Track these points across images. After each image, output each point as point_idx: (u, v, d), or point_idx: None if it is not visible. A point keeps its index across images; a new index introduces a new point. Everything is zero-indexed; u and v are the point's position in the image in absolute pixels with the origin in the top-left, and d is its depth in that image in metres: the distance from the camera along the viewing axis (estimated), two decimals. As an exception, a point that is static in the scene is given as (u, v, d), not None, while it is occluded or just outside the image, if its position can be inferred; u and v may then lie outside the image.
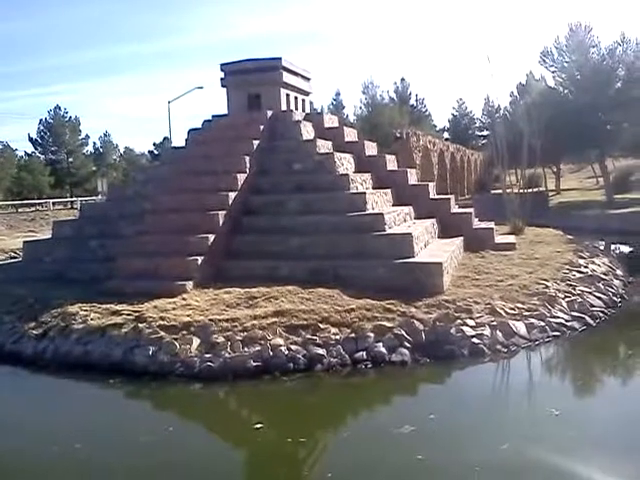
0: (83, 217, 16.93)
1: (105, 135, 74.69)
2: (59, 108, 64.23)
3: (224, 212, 14.24)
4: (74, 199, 51.27)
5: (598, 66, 37.09)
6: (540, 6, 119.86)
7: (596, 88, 35.62)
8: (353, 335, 10.06)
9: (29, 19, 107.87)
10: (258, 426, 7.88)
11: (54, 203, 48.13)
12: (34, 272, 14.87)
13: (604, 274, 14.35)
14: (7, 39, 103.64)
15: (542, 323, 10.79)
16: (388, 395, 9.27)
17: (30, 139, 64.81)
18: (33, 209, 47.21)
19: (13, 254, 23.37)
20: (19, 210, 46.09)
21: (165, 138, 63.02)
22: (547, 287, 12.19)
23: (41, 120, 64.23)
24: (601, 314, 11.85)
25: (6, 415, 8.69)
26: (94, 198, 45.71)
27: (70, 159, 64.93)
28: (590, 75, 36.87)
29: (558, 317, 11.15)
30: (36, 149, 65.03)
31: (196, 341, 9.95)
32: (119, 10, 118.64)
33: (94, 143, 72.65)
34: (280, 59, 18.58)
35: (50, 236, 16.99)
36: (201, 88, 43.16)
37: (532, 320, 10.79)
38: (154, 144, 76.16)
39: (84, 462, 7.11)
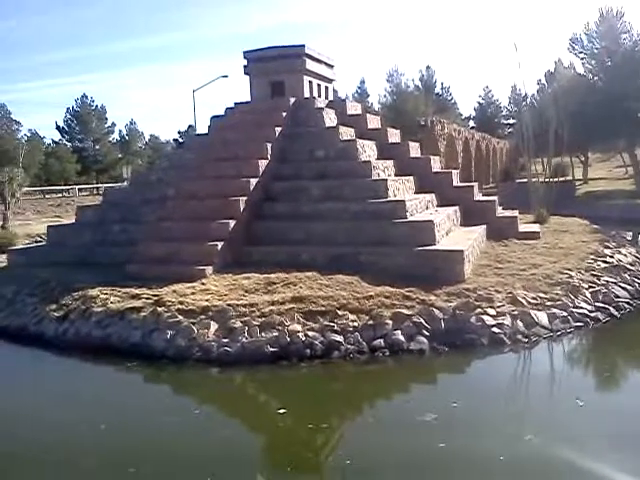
0: (106, 202, 17.07)
1: (131, 123, 75.60)
2: (86, 97, 65.26)
3: (245, 198, 14.23)
4: (99, 185, 51.94)
5: (629, 53, 36.13)
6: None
7: (627, 75, 34.72)
8: (371, 322, 9.98)
9: (55, 12, 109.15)
10: (282, 411, 7.88)
11: (80, 189, 48.84)
12: (57, 256, 15.06)
13: (630, 264, 14.00)
14: (35, 31, 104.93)
15: (564, 313, 10.57)
16: (408, 383, 9.19)
17: (57, 127, 65.93)
18: (60, 195, 47.99)
19: (39, 238, 23.74)
20: (46, 196, 46.89)
21: (190, 126, 63.38)
22: (571, 277, 11.95)
23: (68, 108, 65.25)
24: (626, 305, 11.56)
25: (32, 396, 8.85)
26: (119, 185, 46.23)
27: (96, 147, 65.89)
28: (621, 62, 35.97)
29: (581, 307, 10.91)
30: (63, 137, 66.13)
31: (214, 326, 9.97)
32: (145, 2, 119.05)
33: (120, 131, 73.55)
34: (303, 46, 18.45)
35: (74, 221, 17.19)
36: (226, 77, 43.17)
37: (554, 310, 10.58)
38: (179, 132, 76.67)
39: (111, 443, 7.24)
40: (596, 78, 39.97)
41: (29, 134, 59.92)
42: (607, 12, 38.80)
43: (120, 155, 69.68)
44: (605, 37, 38.45)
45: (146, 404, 8.65)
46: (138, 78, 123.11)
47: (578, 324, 10.51)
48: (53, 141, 65.91)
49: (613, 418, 7.36)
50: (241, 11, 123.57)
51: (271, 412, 8.20)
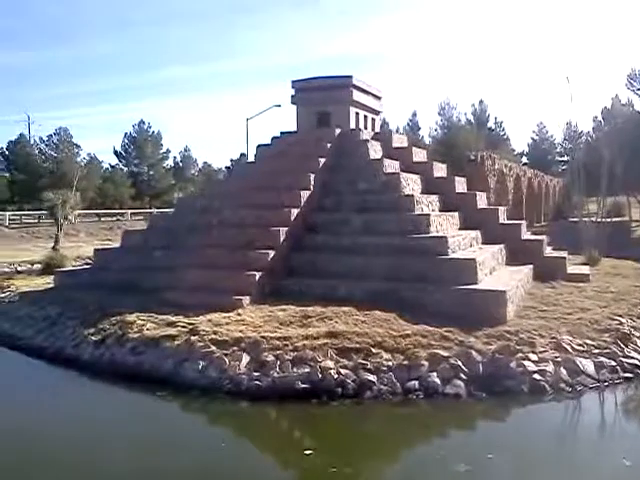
0: (151, 227, 17.35)
1: (185, 150, 77.38)
2: (143, 122, 67.17)
3: (286, 228, 14.22)
4: (152, 210, 53.15)
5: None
6: (628, 27, 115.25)
7: (688, 113, 33.63)
8: (406, 362, 9.66)
9: (116, 39, 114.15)
10: (308, 452, 7.64)
11: (133, 214, 50.09)
12: (101, 279, 15.34)
13: (687, 313, 13.22)
14: (96, 58, 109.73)
15: (613, 363, 9.99)
16: (441, 429, 8.81)
17: (115, 152, 68.06)
18: (115, 219, 49.38)
19: (89, 260, 24.35)
20: (102, 219, 48.35)
21: (242, 154, 64.37)
22: (621, 323, 11.35)
23: (126, 134, 67.40)
24: (681, 357, 10.85)
25: (65, 421, 8.93)
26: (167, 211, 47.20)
27: (151, 172, 67.59)
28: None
29: (632, 357, 10.30)
30: (120, 161, 68.15)
31: (246, 358, 9.86)
32: (201, 30, 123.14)
33: (174, 157, 75.37)
34: (351, 77, 18.54)
35: (119, 245, 17.52)
36: (279, 106, 43.76)
37: (602, 359, 10.02)
38: (231, 160, 78.02)
39: (141, 471, 7.24)
40: (655, 116, 38.86)
41: (88, 158, 62.10)
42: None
43: (173, 181, 71.33)
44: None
45: (174, 434, 8.53)
46: (194, 105, 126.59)
47: (628, 375, 9.90)
48: (110, 165, 68.19)
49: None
50: (296, 40, 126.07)
51: (298, 452, 7.93)
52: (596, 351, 10.22)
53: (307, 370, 9.49)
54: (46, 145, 58.52)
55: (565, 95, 59.32)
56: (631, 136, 34.10)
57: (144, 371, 10.22)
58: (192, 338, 10.48)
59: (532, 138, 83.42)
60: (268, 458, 8.09)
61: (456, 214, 16.27)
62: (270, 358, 9.76)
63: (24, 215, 47.10)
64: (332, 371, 9.45)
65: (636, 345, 10.74)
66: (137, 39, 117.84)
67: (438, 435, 8.65)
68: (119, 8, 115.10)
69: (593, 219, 23.15)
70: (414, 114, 72.40)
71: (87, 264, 22.36)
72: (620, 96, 49.54)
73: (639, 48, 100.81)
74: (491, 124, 74.28)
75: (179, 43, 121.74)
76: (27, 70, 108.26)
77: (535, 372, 9.46)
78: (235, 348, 10.10)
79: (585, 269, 16.72)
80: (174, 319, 11.45)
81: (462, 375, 9.45)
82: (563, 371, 9.58)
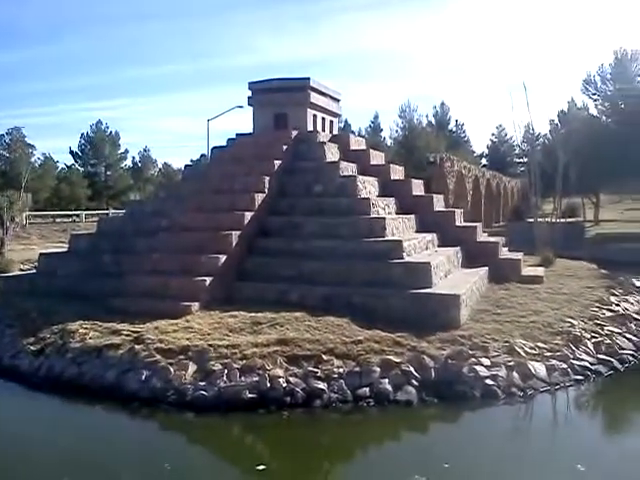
0: (99, 231, 16.75)
1: (145, 150, 75.96)
2: (100, 122, 65.72)
3: (238, 232, 13.86)
4: (109, 211, 51.95)
5: (643, 96, 36.03)
6: (585, 33, 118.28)
7: (640, 118, 34.49)
8: (358, 369, 9.45)
9: (78, 38, 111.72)
10: (261, 467, 7.29)
11: (88, 215, 48.81)
12: (46, 285, 14.70)
13: (637, 314, 13.41)
14: (55, 56, 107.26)
15: (564, 365, 9.99)
16: (394, 438, 8.64)
17: (71, 152, 66.36)
18: (70, 220, 47.99)
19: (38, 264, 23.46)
20: (57, 220, 46.92)
21: (202, 155, 63.48)
22: (572, 326, 11.40)
23: (82, 134, 65.76)
24: (630, 358, 10.98)
25: None
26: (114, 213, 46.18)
27: (108, 172, 66.17)
28: (634, 104, 35.77)
29: (582, 359, 10.33)
30: (76, 162, 66.50)
31: (192, 367, 9.49)
32: (156, 32, 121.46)
33: (133, 158, 73.87)
34: (308, 79, 18.29)
35: (67, 249, 16.87)
36: (241, 107, 43.05)
37: (553, 362, 10.00)
38: (191, 160, 76.91)
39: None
40: (609, 120, 39.74)
41: (42, 158, 60.36)
42: (622, 55, 38.77)
43: (132, 181, 69.93)
44: (619, 80, 38.34)
45: (114, 451, 8.06)
46: (158, 106, 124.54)
47: (578, 377, 9.91)
48: (66, 165, 66.45)
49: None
50: (254, 45, 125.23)
51: (249, 468, 7.52)
52: (548, 354, 10.21)
53: (255, 379, 9.18)
54: (-2, 145, 56.62)
55: (522, 100, 60.17)
56: (586, 139, 34.73)
57: (85, 382, 9.75)
58: (136, 347, 10.06)
59: (491, 140, 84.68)
60: (218, 477, 7.67)
61: (412, 217, 16.16)
62: (217, 367, 9.42)
63: (-26, 217, 45.43)
64: (281, 379, 9.17)
65: (587, 347, 10.78)
66: (93, 39, 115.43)
67: (392, 445, 8.45)
68: (69, 6, 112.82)
69: (548, 220, 23.40)
70: (376, 116, 72.59)
71: (35, 268, 21.58)
72: (576, 100, 50.61)
73: (593, 53, 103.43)
74: (452, 126, 75.10)
75: (138, 43, 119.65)
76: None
77: (487, 377, 9.36)
78: (181, 357, 9.72)
79: (540, 270, 16.82)
80: (119, 327, 10.99)
81: (414, 381, 9.29)
82: (515, 375, 9.51)
